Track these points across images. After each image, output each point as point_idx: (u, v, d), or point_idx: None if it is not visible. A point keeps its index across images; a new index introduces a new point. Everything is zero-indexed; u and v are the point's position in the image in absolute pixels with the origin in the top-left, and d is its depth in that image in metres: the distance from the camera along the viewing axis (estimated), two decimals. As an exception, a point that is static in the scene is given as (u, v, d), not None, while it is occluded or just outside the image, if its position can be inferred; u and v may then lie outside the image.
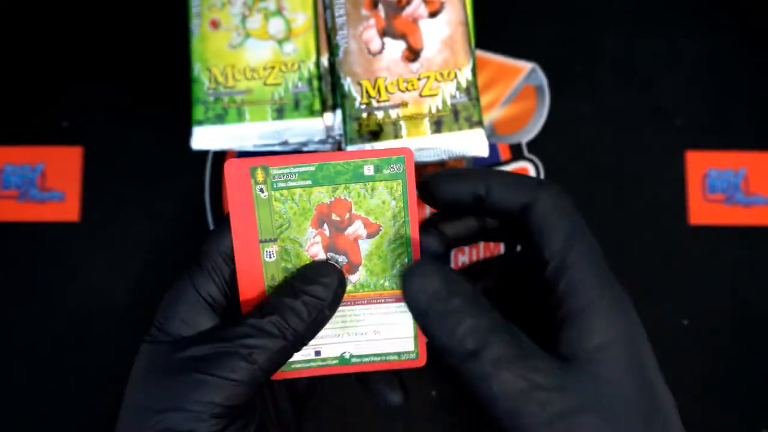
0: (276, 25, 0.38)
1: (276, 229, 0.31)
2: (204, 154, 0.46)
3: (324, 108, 0.38)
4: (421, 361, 0.32)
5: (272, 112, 0.37)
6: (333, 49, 0.37)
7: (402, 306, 0.32)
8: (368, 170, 0.30)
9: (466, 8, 0.37)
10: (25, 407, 0.44)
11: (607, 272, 0.28)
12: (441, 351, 0.27)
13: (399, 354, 0.32)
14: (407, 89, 0.36)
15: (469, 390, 0.27)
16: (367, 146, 0.36)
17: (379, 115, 0.36)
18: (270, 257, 0.31)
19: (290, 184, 0.30)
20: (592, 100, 0.47)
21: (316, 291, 0.29)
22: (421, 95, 0.36)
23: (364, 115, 0.36)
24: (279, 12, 0.38)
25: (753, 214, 0.46)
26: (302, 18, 0.38)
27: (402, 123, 0.36)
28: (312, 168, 0.30)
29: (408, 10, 0.37)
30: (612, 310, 0.27)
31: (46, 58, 0.46)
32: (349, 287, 0.31)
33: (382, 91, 0.36)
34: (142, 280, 0.44)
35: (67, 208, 0.45)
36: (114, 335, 0.44)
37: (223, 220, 0.31)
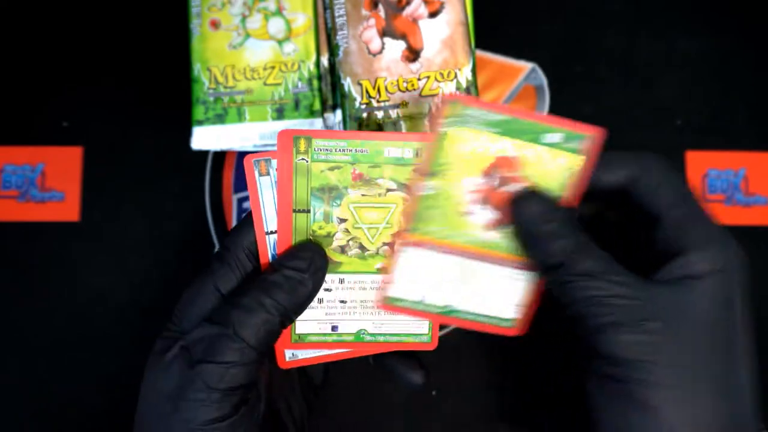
0: (276, 25, 0.38)
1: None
2: (204, 154, 0.46)
3: (324, 108, 0.38)
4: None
5: (272, 112, 0.37)
6: (333, 49, 0.37)
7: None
8: (552, 138, 0.31)
9: (466, 8, 0.37)
10: (25, 407, 0.44)
11: (714, 223, 0.31)
12: (537, 263, 0.31)
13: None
14: (407, 89, 0.36)
15: (559, 298, 0.31)
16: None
17: (379, 115, 0.36)
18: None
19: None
20: (592, 100, 0.47)
21: (294, 263, 0.30)
22: (421, 95, 0.36)
23: (364, 115, 0.36)
24: (279, 12, 0.38)
25: (753, 214, 0.46)
26: (302, 18, 0.38)
27: (402, 123, 0.36)
28: (502, 117, 0.31)
29: (408, 10, 0.37)
30: (715, 252, 0.30)
31: (46, 59, 0.46)
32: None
33: (382, 91, 0.36)
34: (142, 280, 0.45)
35: (67, 208, 0.45)
36: (114, 335, 0.44)
37: (245, 217, 0.32)
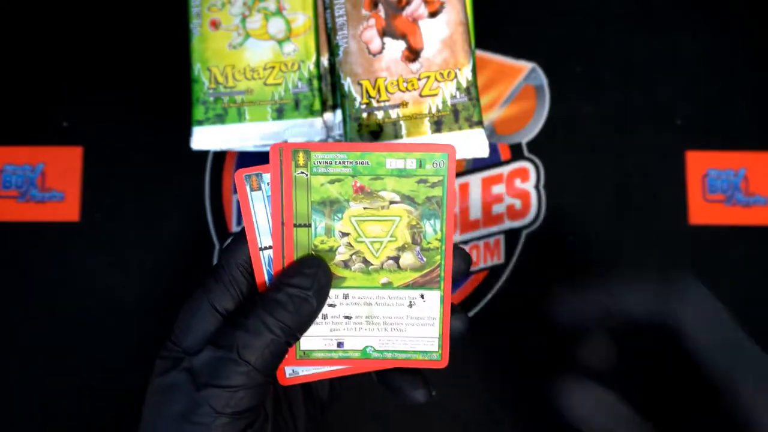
0: (276, 25, 0.38)
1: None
2: (204, 154, 0.46)
3: (324, 108, 0.38)
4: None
5: (272, 112, 0.37)
6: (333, 49, 0.37)
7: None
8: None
9: (466, 8, 0.37)
10: (25, 407, 0.44)
11: (760, 356, 0.29)
12: None
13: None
14: (407, 89, 0.36)
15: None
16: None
17: (379, 115, 0.36)
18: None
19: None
20: (592, 100, 0.47)
21: (297, 281, 0.29)
22: (421, 95, 0.36)
23: (364, 115, 0.36)
24: (279, 12, 0.38)
25: (753, 214, 0.46)
26: (302, 18, 0.38)
27: (402, 123, 0.36)
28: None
29: (408, 10, 0.37)
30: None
31: (46, 59, 0.46)
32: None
33: (382, 91, 0.36)
34: (142, 280, 0.45)
35: (67, 208, 0.45)
36: (114, 335, 0.44)
37: (239, 232, 0.31)
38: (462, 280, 0.31)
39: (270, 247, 0.31)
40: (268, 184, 0.30)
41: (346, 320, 0.32)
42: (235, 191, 0.46)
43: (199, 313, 0.30)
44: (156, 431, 0.29)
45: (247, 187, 0.30)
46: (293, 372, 0.32)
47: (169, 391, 0.29)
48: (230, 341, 0.28)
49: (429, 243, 0.31)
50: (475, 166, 0.46)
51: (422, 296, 0.32)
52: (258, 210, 0.30)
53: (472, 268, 0.45)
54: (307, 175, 0.30)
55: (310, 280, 0.29)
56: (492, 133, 0.46)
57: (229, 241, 0.31)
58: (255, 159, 0.46)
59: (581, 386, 0.30)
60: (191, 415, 0.28)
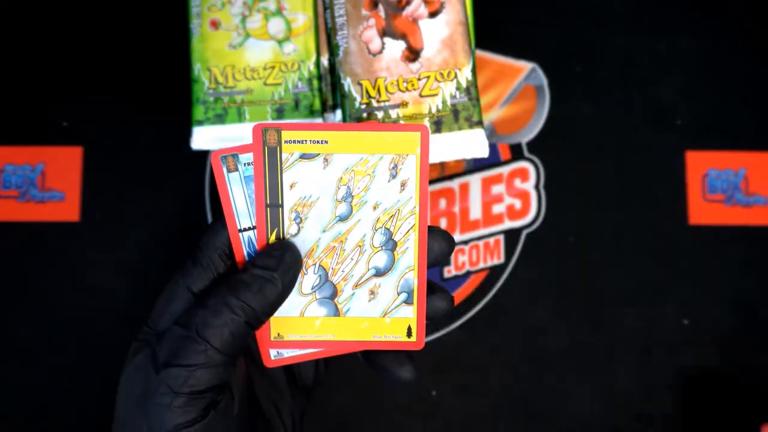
0: (276, 25, 0.38)
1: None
2: (204, 154, 0.46)
3: (324, 108, 0.38)
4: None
5: (272, 112, 0.37)
6: (333, 49, 0.37)
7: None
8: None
9: (466, 8, 0.37)
10: (25, 406, 0.44)
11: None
12: None
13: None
14: (407, 89, 0.36)
15: None
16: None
17: (379, 115, 0.36)
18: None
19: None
20: (592, 100, 0.47)
21: (263, 262, 0.29)
22: (421, 95, 0.36)
23: (365, 115, 0.36)
24: (279, 12, 0.38)
25: (753, 214, 0.46)
26: (302, 18, 0.38)
27: (402, 123, 0.36)
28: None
29: (408, 10, 0.37)
30: None
31: (46, 59, 0.46)
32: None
33: (382, 91, 0.36)
34: (142, 280, 0.44)
35: (67, 208, 0.45)
36: (114, 335, 0.44)
37: (217, 216, 0.31)
38: (444, 264, 0.31)
39: (249, 228, 0.30)
40: (245, 164, 0.30)
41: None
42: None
43: (175, 295, 0.30)
44: (124, 416, 0.29)
45: (224, 169, 0.30)
46: (278, 354, 0.32)
47: (135, 374, 0.29)
48: (190, 320, 0.28)
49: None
50: (475, 166, 0.46)
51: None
52: (236, 191, 0.30)
53: (473, 268, 0.45)
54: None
55: (275, 261, 0.29)
56: (492, 133, 0.46)
57: (209, 224, 0.31)
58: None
59: None
60: (152, 397, 0.28)
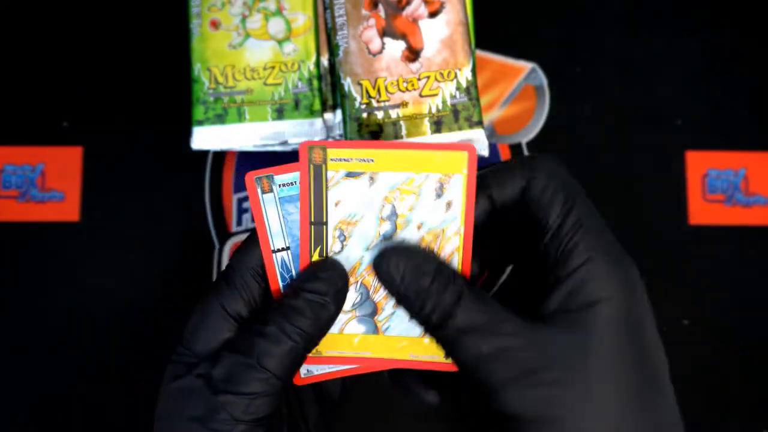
0: (276, 25, 0.38)
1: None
2: (204, 154, 0.46)
3: (324, 108, 0.38)
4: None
5: (272, 112, 0.37)
6: (333, 49, 0.37)
7: None
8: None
9: (466, 8, 0.37)
10: (25, 406, 0.44)
11: (606, 235, 0.28)
12: (415, 320, 0.29)
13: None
14: (407, 89, 0.36)
15: (448, 356, 0.29)
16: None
17: (379, 115, 0.36)
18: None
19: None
20: (592, 100, 0.47)
21: (315, 286, 0.29)
22: (421, 95, 0.36)
23: (365, 115, 0.36)
24: (279, 12, 0.38)
25: (753, 214, 0.46)
26: (302, 18, 0.38)
27: (402, 123, 0.36)
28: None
29: (408, 10, 0.37)
30: (609, 268, 0.27)
31: (46, 59, 0.46)
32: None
33: (382, 91, 0.36)
34: (142, 280, 0.44)
35: (67, 208, 0.45)
36: (114, 335, 0.44)
37: (249, 235, 0.31)
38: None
39: (283, 249, 0.30)
40: (280, 186, 0.30)
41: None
42: (236, 190, 0.46)
43: (211, 318, 0.29)
44: None
45: (259, 190, 0.30)
46: (308, 372, 0.32)
47: (184, 396, 0.28)
48: (249, 348, 0.28)
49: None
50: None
51: None
52: (270, 212, 0.30)
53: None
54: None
55: (326, 285, 0.29)
56: (492, 133, 0.46)
57: (240, 244, 0.31)
58: (255, 159, 0.46)
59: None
60: (208, 422, 0.27)
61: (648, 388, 0.26)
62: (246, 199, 0.45)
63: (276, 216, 0.30)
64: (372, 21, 0.37)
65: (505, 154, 0.46)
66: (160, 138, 0.45)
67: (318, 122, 0.37)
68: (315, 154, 0.29)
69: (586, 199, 0.29)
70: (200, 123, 0.37)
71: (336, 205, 0.30)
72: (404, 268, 0.28)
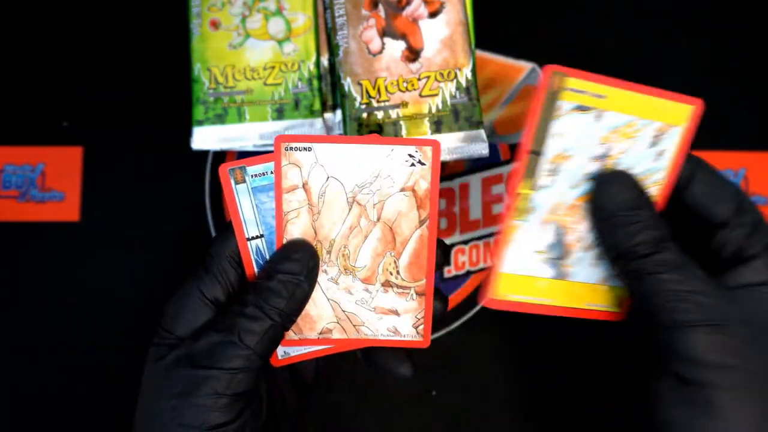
0: (276, 25, 0.38)
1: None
2: (204, 154, 0.46)
3: (324, 108, 0.38)
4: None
5: (272, 112, 0.37)
6: (333, 49, 0.37)
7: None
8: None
9: (466, 8, 0.37)
10: (25, 407, 0.44)
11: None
12: (613, 252, 0.30)
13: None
14: (407, 89, 0.36)
15: (631, 290, 0.30)
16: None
17: (379, 115, 0.36)
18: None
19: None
20: (592, 100, 0.47)
21: (288, 267, 0.31)
22: (421, 95, 0.36)
23: (364, 115, 0.36)
24: (279, 12, 0.38)
25: (753, 214, 0.46)
26: (302, 18, 0.38)
27: (402, 123, 0.36)
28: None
29: (408, 10, 0.37)
30: None
31: (46, 59, 0.46)
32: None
33: (382, 91, 0.36)
34: (142, 280, 0.45)
35: (67, 208, 0.45)
36: (114, 335, 0.44)
37: (226, 224, 0.33)
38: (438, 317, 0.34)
39: (257, 237, 0.32)
40: (252, 176, 0.31)
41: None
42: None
43: (190, 302, 0.31)
44: (154, 414, 0.30)
45: (232, 181, 0.31)
46: (285, 353, 0.33)
47: (168, 374, 0.30)
48: (231, 327, 0.30)
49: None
50: (475, 166, 0.46)
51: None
52: (243, 201, 0.31)
53: (472, 268, 0.45)
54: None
55: (299, 265, 0.31)
56: (492, 133, 0.46)
57: (217, 233, 0.33)
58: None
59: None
60: (191, 398, 0.29)
61: None
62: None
63: (249, 205, 0.32)
64: (372, 21, 0.37)
65: (505, 154, 0.46)
66: (160, 138, 0.45)
67: (318, 122, 0.37)
68: (555, 80, 0.30)
69: (749, 197, 0.32)
70: (200, 123, 0.37)
71: (556, 137, 0.30)
72: (627, 195, 0.30)
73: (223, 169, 0.31)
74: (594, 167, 0.31)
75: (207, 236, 0.45)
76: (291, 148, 0.30)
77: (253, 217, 0.32)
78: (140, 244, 0.45)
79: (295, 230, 0.32)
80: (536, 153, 0.30)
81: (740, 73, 0.47)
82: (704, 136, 0.47)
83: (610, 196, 0.30)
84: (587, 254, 0.31)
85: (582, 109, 0.30)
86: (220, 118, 0.37)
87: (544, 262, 0.32)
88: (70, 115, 0.46)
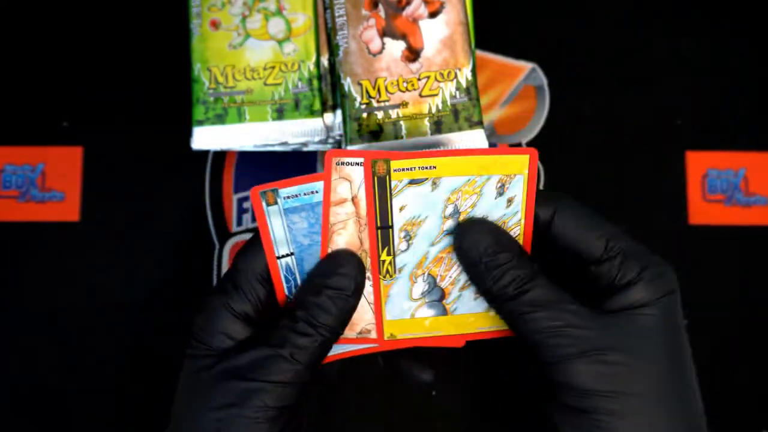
0: (276, 25, 0.38)
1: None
2: (204, 154, 0.46)
3: (324, 108, 0.38)
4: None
5: (272, 112, 0.37)
6: (333, 49, 0.37)
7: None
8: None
9: (466, 8, 0.37)
10: (25, 407, 0.44)
11: (645, 250, 0.32)
12: (487, 295, 0.31)
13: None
14: (407, 89, 0.36)
15: (511, 328, 0.31)
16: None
17: (379, 115, 0.36)
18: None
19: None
20: (592, 100, 0.47)
21: (337, 282, 0.31)
22: (421, 95, 0.36)
23: (364, 115, 0.36)
24: (279, 12, 0.38)
25: (753, 214, 0.46)
26: (302, 18, 0.38)
27: (402, 123, 0.36)
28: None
29: (408, 10, 0.37)
30: (655, 278, 0.31)
31: (46, 58, 0.46)
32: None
33: (382, 91, 0.36)
34: (142, 280, 0.44)
35: (67, 208, 0.45)
36: (114, 335, 0.44)
37: (252, 240, 0.33)
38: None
39: (287, 255, 0.32)
40: (284, 198, 0.31)
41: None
42: (236, 191, 0.46)
43: (222, 315, 0.31)
44: (196, 425, 0.30)
45: (263, 203, 0.31)
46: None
47: (215, 386, 0.30)
48: (281, 341, 0.30)
49: None
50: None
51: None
52: (274, 222, 0.32)
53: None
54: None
55: (348, 280, 0.31)
56: (492, 133, 0.46)
57: (243, 247, 0.33)
58: (255, 159, 0.46)
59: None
60: (240, 409, 0.29)
61: (690, 397, 0.31)
62: (246, 198, 0.45)
63: (280, 225, 0.32)
64: (372, 21, 0.37)
65: (505, 154, 0.46)
66: (160, 138, 0.45)
67: (318, 122, 0.37)
68: (379, 167, 0.31)
69: (615, 226, 0.33)
70: (200, 123, 0.37)
71: (400, 210, 0.31)
72: (486, 242, 0.31)
73: (255, 192, 0.31)
74: (449, 223, 0.32)
75: (207, 236, 0.45)
76: (342, 163, 0.31)
77: (283, 237, 0.32)
78: (140, 244, 0.45)
79: (341, 241, 0.32)
80: (385, 228, 0.31)
81: (740, 73, 0.47)
82: (704, 136, 0.47)
83: (471, 243, 0.31)
84: (466, 292, 0.33)
85: (416, 182, 0.31)
86: (220, 118, 0.37)
87: (424, 305, 0.33)
88: (70, 115, 0.46)
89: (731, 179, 0.46)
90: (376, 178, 0.31)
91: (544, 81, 0.47)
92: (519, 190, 0.32)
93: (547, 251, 0.33)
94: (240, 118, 0.37)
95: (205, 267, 0.45)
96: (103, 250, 0.45)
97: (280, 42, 0.38)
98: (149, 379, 0.43)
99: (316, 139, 0.37)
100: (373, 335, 0.33)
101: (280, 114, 0.37)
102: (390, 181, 0.31)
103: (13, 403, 0.44)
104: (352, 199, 0.31)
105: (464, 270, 0.32)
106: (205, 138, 0.37)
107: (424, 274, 0.32)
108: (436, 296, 0.33)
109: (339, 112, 0.38)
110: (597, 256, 0.31)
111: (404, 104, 0.36)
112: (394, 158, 0.31)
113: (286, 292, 0.33)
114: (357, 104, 0.36)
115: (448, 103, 0.36)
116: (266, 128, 0.37)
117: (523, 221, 0.32)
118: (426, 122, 0.36)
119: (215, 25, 0.38)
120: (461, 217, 0.32)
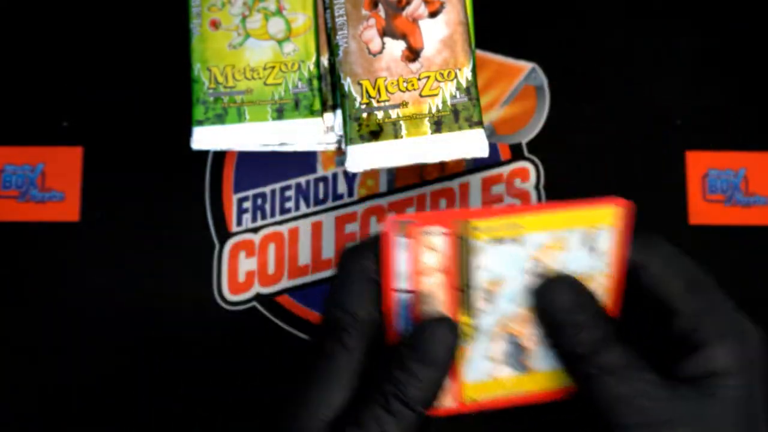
0: (276, 25, 0.38)
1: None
2: (204, 154, 0.46)
3: (324, 108, 0.38)
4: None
5: (272, 112, 0.37)
6: (333, 49, 0.37)
7: None
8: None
9: (466, 8, 0.37)
10: (25, 407, 0.44)
11: (732, 308, 0.31)
12: (559, 353, 0.30)
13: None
14: (407, 89, 0.36)
15: (579, 389, 0.30)
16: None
17: (379, 115, 0.36)
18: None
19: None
20: (592, 100, 0.47)
21: (429, 356, 0.29)
22: (421, 95, 0.36)
23: (364, 115, 0.36)
24: (279, 12, 0.38)
25: (753, 214, 0.46)
26: (302, 18, 0.38)
27: (402, 123, 0.36)
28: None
29: (408, 10, 0.37)
30: (736, 345, 0.29)
31: (46, 58, 0.46)
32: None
33: (382, 91, 0.36)
34: (142, 280, 0.44)
35: (67, 208, 0.45)
36: (114, 335, 0.44)
37: (355, 277, 0.30)
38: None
39: (407, 291, 0.30)
40: (426, 234, 0.29)
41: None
42: (236, 190, 0.46)
43: (329, 391, 0.29)
44: None
45: (399, 235, 0.29)
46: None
47: None
48: (372, 422, 0.28)
49: None
50: (475, 166, 0.46)
51: None
52: (401, 255, 0.29)
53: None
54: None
55: (441, 350, 0.29)
56: (492, 133, 0.46)
57: (337, 280, 0.31)
58: (255, 159, 0.46)
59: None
60: None
61: None
62: (246, 199, 0.45)
63: (407, 260, 0.29)
64: (372, 21, 0.37)
65: (505, 154, 0.46)
66: (160, 138, 0.45)
67: (318, 122, 0.37)
68: (459, 228, 0.29)
69: (706, 277, 0.32)
70: (200, 123, 0.37)
71: (482, 270, 0.30)
72: (567, 299, 0.30)
73: (393, 222, 0.29)
74: (531, 280, 0.30)
75: (207, 236, 0.45)
76: (428, 233, 0.29)
77: (404, 272, 0.29)
78: (140, 245, 0.45)
79: (434, 301, 0.30)
80: (464, 289, 0.30)
81: (740, 73, 0.47)
82: (704, 136, 0.47)
83: (551, 301, 0.30)
84: (546, 347, 0.32)
85: (499, 241, 0.30)
86: (220, 118, 0.37)
87: (504, 364, 0.32)
88: (70, 115, 0.46)
89: (731, 179, 0.46)
90: (458, 239, 0.29)
91: (544, 81, 0.47)
92: (607, 241, 0.30)
93: (637, 296, 0.32)
94: (240, 118, 0.37)
95: (205, 267, 0.45)
96: (103, 250, 0.45)
97: (280, 42, 0.38)
98: (149, 379, 0.44)
99: (316, 136, 0.37)
100: (449, 403, 0.31)
101: (280, 114, 0.37)
102: (470, 241, 0.29)
103: (14, 402, 0.44)
104: (439, 268, 0.29)
105: (540, 326, 0.31)
106: (205, 138, 0.37)
107: (505, 333, 0.31)
108: (518, 355, 0.31)
109: (339, 112, 0.38)
110: (677, 304, 0.30)
111: (404, 104, 0.36)
112: (475, 217, 0.29)
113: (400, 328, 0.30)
114: (357, 104, 0.36)
115: (448, 103, 0.36)
116: (266, 128, 0.37)
117: (612, 275, 0.31)
118: (426, 122, 0.36)
119: (215, 25, 0.38)
120: (544, 273, 0.30)
